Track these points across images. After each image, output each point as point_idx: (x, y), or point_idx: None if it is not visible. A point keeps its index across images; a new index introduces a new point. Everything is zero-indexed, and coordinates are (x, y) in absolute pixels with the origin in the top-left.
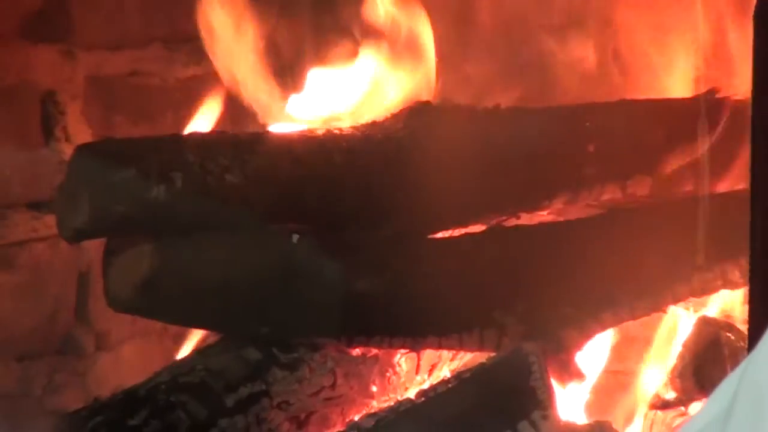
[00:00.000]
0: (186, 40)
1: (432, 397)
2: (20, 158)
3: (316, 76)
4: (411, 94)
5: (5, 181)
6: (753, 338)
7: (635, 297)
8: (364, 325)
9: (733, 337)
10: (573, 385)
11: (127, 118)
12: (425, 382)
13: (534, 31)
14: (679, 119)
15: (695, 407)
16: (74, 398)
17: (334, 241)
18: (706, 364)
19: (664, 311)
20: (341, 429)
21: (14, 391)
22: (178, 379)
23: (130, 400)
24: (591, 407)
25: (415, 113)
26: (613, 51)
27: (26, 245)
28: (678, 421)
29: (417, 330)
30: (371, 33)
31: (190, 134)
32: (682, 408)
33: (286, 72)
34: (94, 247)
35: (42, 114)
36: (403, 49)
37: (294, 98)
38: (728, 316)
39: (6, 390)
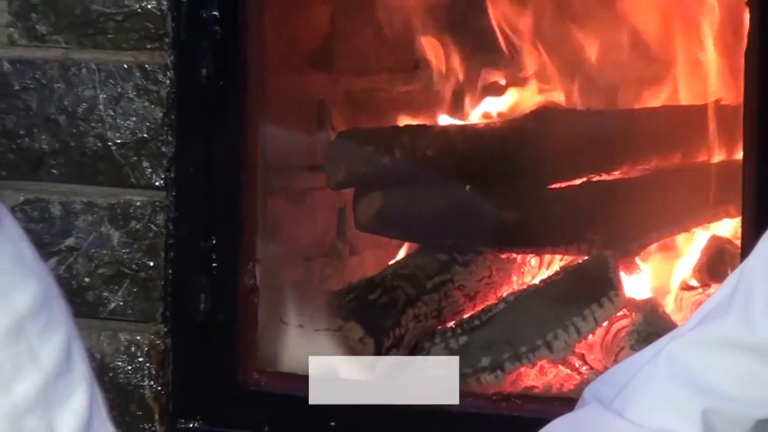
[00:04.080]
0: (402, 71)
1: (549, 282)
2: (305, 140)
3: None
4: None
5: (297, 153)
6: (744, 249)
7: (672, 223)
8: (508, 239)
9: (731, 248)
10: (633, 276)
11: (367, 116)
12: (545, 273)
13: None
14: (698, 116)
15: (709, 291)
16: (336, 283)
17: (490, 190)
18: (714, 263)
19: (689, 232)
20: (494, 302)
21: (302, 279)
22: (398, 271)
23: (369, 284)
24: (644, 289)
25: (541, 112)
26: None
27: (308, 192)
28: (696, 298)
29: (540, 243)
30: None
31: (404, 126)
32: (700, 290)
33: None
34: (348, 192)
35: (318, 114)
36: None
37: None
38: (729, 235)
39: (298, 279)
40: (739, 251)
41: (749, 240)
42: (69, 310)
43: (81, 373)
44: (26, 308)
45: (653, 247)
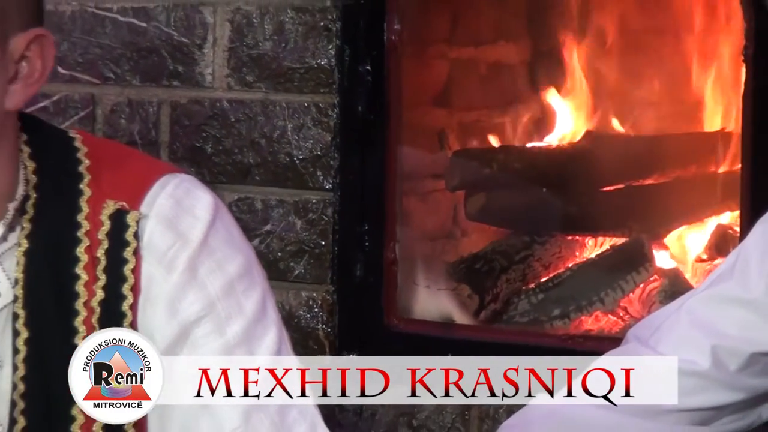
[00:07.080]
0: (498, 107)
1: (601, 256)
2: (430, 156)
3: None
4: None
5: (424, 165)
6: (742, 233)
7: (689, 215)
8: (572, 226)
9: (732, 233)
10: (662, 252)
11: (474, 140)
12: (598, 250)
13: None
14: (709, 140)
15: (716, 263)
16: (452, 256)
17: (560, 191)
18: (720, 244)
19: (702, 221)
20: (562, 270)
21: (428, 254)
22: (495, 248)
23: (475, 257)
24: (669, 262)
25: (597, 136)
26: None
27: (432, 193)
28: (707, 268)
29: (595, 228)
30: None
31: (500, 146)
32: (710, 262)
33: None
34: (460, 193)
35: (439, 138)
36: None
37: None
38: (731, 223)
39: (425, 253)
40: (738, 235)
41: (746, 227)
42: (265, 274)
43: (272, 319)
44: (235, 273)
45: (676, 231)
